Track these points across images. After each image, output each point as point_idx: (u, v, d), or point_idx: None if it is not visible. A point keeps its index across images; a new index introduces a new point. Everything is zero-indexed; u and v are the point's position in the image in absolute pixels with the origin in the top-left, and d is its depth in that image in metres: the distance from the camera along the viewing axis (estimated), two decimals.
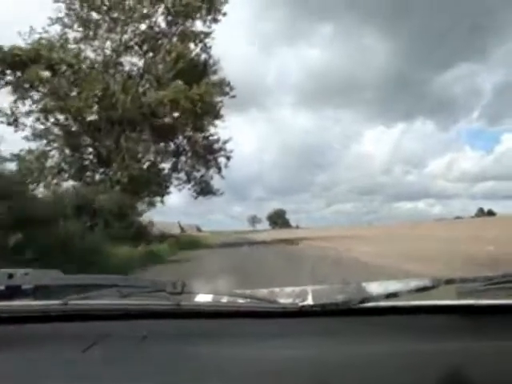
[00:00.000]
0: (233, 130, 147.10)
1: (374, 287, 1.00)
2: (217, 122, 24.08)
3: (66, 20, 21.19)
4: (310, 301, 0.92)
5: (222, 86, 23.41)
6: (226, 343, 0.84)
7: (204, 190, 26.54)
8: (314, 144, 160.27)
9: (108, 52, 21.69)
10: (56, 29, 20.91)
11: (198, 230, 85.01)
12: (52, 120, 21.11)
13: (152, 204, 23.85)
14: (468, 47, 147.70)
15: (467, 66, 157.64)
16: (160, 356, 0.79)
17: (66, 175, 21.65)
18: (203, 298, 0.98)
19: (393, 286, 0.98)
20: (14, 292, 0.99)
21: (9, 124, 19.94)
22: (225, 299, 0.98)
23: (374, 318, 0.91)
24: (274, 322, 0.91)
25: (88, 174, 22.26)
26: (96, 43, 21.56)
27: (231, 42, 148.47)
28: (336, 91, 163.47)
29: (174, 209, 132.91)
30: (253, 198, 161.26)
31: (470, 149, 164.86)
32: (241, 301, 0.96)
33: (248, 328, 0.90)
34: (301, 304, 0.91)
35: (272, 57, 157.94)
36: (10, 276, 1.01)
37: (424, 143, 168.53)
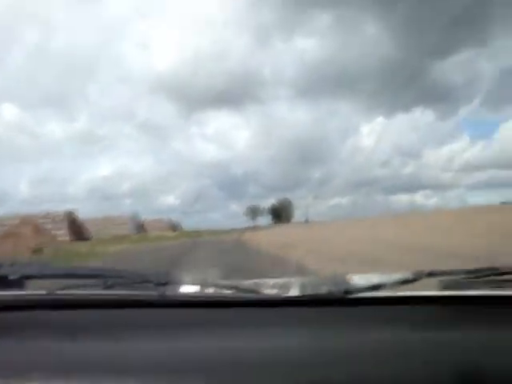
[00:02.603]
0: (228, 125, 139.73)
1: (358, 279, 1.00)
2: None
3: None
4: (295, 291, 0.94)
5: None
6: (210, 333, 0.84)
7: None
8: (311, 138, 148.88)
9: None
10: None
11: (173, 228, 66.28)
12: None
13: None
14: (468, 33, 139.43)
15: (467, 52, 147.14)
16: (144, 346, 0.80)
17: None
18: (188, 288, 0.99)
19: (376, 278, 0.98)
20: (0, 282, 0.98)
21: None
22: (210, 290, 0.98)
23: (358, 309, 0.92)
24: (257, 311, 0.92)
25: None
26: None
27: (225, 34, 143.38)
28: (334, 83, 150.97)
29: (172, 208, 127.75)
30: (249, 196, 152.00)
31: (468, 138, 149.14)
32: (225, 291, 0.97)
33: (232, 318, 0.90)
34: (285, 295, 0.92)
35: (267, 48, 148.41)
36: None
37: (423, 133, 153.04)
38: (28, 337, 0.84)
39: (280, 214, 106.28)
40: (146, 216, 62.77)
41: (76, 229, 38.38)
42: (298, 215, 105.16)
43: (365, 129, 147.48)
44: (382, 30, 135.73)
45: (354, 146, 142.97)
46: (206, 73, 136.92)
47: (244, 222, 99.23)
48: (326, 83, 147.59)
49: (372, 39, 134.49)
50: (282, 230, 43.04)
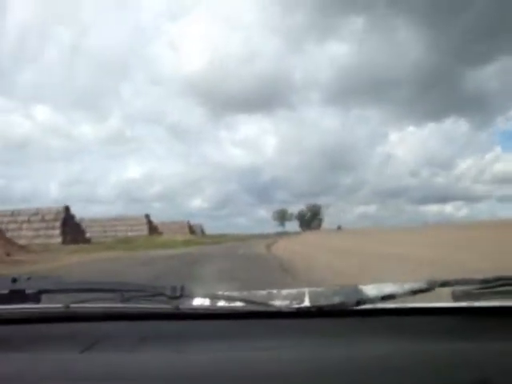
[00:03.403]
0: (257, 130, 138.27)
1: (370, 289, 1.00)
2: None
3: None
4: (306, 302, 0.94)
5: None
6: (222, 344, 0.85)
7: None
8: (341, 144, 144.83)
9: None
10: None
11: (192, 231, 60.15)
12: None
13: None
14: (504, 41, 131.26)
15: (502, 61, 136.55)
16: (158, 357, 0.81)
17: None
18: (201, 301, 1.00)
19: (389, 287, 0.98)
20: (17, 296, 0.99)
21: None
22: (222, 302, 0.99)
23: (371, 320, 0.92)
24: (270, 323, 0.92)
25: None
26: None
27: (256, 38, 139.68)
28: (365, 89, 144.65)
29: (199, 212, 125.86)
30: (277, 201, 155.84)
31: (501, 149, 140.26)
32: (238, 303, 0.97)
33: (245, 329, 0.91)
34: (297, 306, 0.93)
35: (298, 53, 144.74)
36: (14, 280, 1.02)
37: (455, 143, 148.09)
38: (44, 350, 0.84)
39: (309, 219, 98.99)
40: (171, 219, 57.35)
41: (71, 229, 32.53)
42: (326, 222, 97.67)
43: (395, 137, 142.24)
44: (415, 37, 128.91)
45: (383, 155, 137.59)
46: (236, 77, 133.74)
47: (271, 227, 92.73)
48: (357, 89, 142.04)
49: (405, 46, 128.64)
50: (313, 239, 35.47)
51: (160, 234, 46.56)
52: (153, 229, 47.48)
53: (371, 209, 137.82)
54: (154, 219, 50.83)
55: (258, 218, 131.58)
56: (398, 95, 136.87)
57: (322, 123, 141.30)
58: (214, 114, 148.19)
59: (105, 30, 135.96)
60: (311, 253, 16.90)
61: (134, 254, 20.68)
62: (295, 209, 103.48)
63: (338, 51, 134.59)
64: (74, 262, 15.12)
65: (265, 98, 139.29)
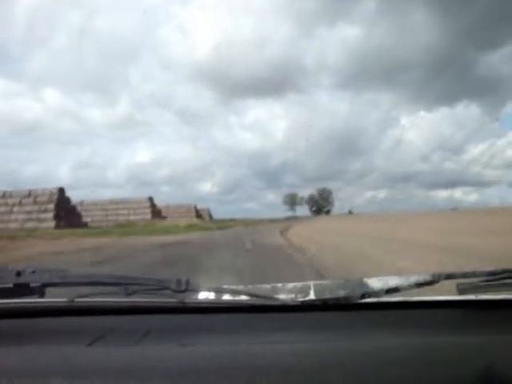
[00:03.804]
0: (267, 114, 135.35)
1: (375, 282, 1.00)
2: None
3: None
4: (311, 296, 0.95)
5: None
6: (228, 338, 0.86)
7: None
8: (351, 129, 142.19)
9: None
10: None
11: (198, 215, 58.14)
12: None
13: None
14: None
15: None
16: (163, 351, 0.81)
17: None
18: (207, 295, 1.01)
19: (394, 281, 0.98)
20: (22, 289, 1.00)
21: None
22: (227, 296, 1.00)
23: (375, 313, 0.94)
24: (275, 316, 0.94)
25: None
26: None
27: (267, 21, 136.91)
28: (376, 73, 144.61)
29: (208, 196, 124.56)
30: (287, 186, 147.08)
31: None
32: (244, 297, 0.98)
33: (250, 323, 0.92)
34: (302, 299, 0.94)
35: (309, 36, 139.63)
36: (18, 274, 1.01)
37: (466, 128, 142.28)
38: (49, 344, 0.85)
39: (319, 204, 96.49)
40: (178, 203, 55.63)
41: (66, 212, 30.61)
42: (336, 206, 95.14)
43: (406, 121, 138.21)
44: (427, 20, 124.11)
45: (394, 139, 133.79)
46: (246, 61, 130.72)
47: (281, 212, 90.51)
48: (368, 73, 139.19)
49: (416, 29, 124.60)
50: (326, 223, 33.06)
51: (163, 218, 44.65)
52: (156, 212, 45.55)
53: (381, 193, 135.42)
54: (159, 203, 48.94)
55: (268, 203, 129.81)
56: (409, 79, 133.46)
57: (333, 107, 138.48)
58: (223, 98, 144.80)
59: (114, 14, 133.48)
60: (341, 243, 13.83)
61: (122, 242, 18.44)
62: (305, 193, 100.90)
63: (349, 35, 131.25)
64: (35, 255, 12.79)
65: (275, 82, 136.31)
